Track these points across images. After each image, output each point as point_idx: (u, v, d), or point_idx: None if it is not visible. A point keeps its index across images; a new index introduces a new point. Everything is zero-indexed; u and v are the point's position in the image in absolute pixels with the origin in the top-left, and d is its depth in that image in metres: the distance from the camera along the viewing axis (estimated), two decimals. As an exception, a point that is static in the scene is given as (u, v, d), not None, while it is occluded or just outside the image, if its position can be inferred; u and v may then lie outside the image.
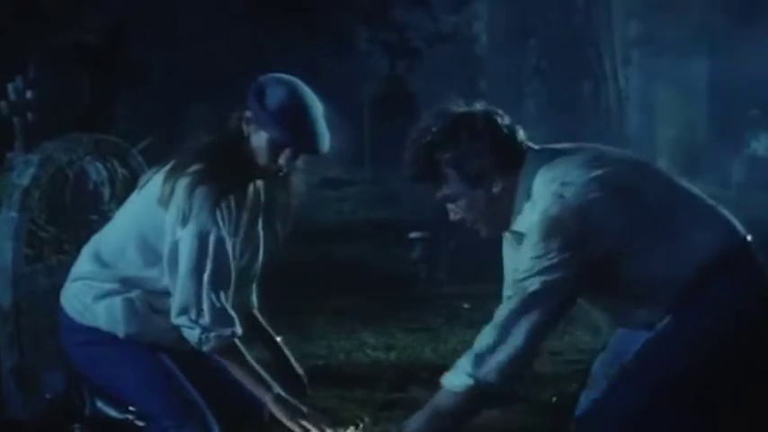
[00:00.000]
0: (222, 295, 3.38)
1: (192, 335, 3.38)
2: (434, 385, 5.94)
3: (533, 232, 3.19)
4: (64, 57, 10.75)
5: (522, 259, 3.23)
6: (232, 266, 3.42)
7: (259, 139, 3.42)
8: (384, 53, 16.80)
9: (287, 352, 3.87)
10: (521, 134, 3.34)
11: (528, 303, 3.24)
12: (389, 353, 6.89)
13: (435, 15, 16.63)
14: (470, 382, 3.22)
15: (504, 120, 3.33)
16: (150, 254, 3.44)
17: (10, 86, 8.36)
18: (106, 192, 5.05)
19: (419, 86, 17.02)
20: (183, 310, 3.38)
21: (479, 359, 3.24)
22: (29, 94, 8.45)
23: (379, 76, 17.44)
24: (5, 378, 4.95)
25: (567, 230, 3.15)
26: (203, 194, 3.34)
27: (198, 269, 3.35)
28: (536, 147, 3.36)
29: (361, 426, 4.61)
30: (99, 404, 3.55)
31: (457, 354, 6.61)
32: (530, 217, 3.24)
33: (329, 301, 8.47)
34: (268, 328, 3.87)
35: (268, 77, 3.49)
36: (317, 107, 3.50)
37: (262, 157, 3.44)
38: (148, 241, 3.44)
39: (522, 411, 5.42)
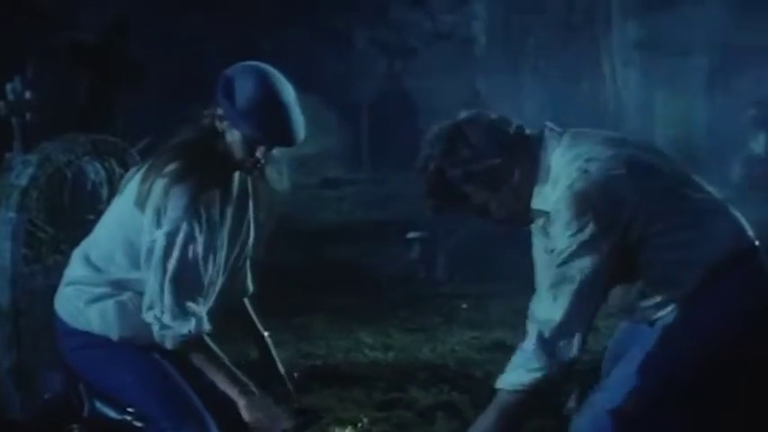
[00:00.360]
0: (184, 294, 3.37)
1: (155, 331, 3.39)
2: (432, 385, 5.97)
3: (563, 209, 3.19)
4: (62, 57, 10.74)
5: (558, 239, 3.21)
6: (201, 266, 3.39)
7: (233, 136, 3.42)
8: (382, 53, 16.79)
9: (273, 350, 3.85)
10: (514, 123, 3.35)
11: (574, 281, 3.20)
12: (387, 353, 6.89)
13: (434, 15, 16.62)
14: (538, 375, 3.19)
15: (492, 116, 3.35)
16: (137, 256, 3.45)
17: (8, 87, 8.35)
18: (104, 192, 5.05)
19: (417, 86, 17.02)
20: (150, 307, 3.39)
21: (543, 348, 3.19)
22: (27, 95, 8.44)
23: (377, 76, 17.43)
24: (4, 378, 4.95)
25: (596, 204, 3.17)
26: (178, 194, 3.34)
27: (163, 267, 3.36)
28: (556, 128, 3.37)
29: (360, 426, 4.61)
30: (98, 405, 3.55)
31: (455, 353, 6.64)
32: (552, 194, 3.26)
33: (327, 300, 8.48)
34: (257, 323, 3.87)
35: (235, 70, 3.45)
36: (288, 94, 3.46)
37: (237, 153, 3.43)
38: (134, 244, 3.45)
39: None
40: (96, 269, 3.50)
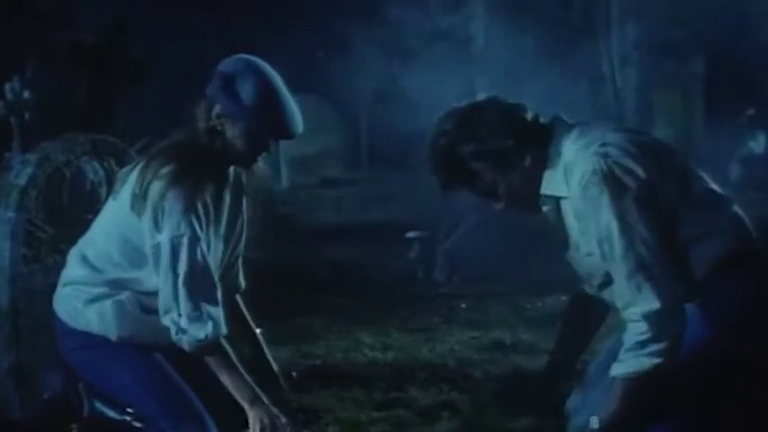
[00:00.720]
0: (199, 295, 3.36)
1: (173, 335, 3.38)
2: (432, 384, 5.98)
3: (596, 195, 3.19)
4: (61, 57, 10.74)
5: (603, 226, 3.20)
6: (211, 265, 3.40)
7: (235, 132, 3.42)
8: (380, 52, 16.78)
9: (265, 348, 3.84)
10: (530, 111, 3.37)
11: (645, 263, 3.18)
12: (387, 352, 6.88)
13: (432, 15, 16.62)
14: (658, 360, 3.17)
15: (509, 101, 3.38)
16: (134, 255, 3.45)
17: (7, 87, 8.35)
18: (103, 192, 5.05)
19: (416, 86, 17.00)
20: (166, 311, 3.38)
21: (659, 334, 3.16)
22: (26, 95, 8.45)
23: (375, 76, 17.42)
24: (3, 378, 4.95)
25: (625, 180, 3.18)
26: (174, 197, 3.33)
27: (173, 271, 3.35)
28: (566, 119, 3.39)
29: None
30: (97, 405, 3.54)
31: (454, 353, 6.63)
32: (564, 180, 3.27)
33: (327, 300, 8.47)
34: (249, 319, 3.85)
35: (230, 66, 3.45)
36: (283, 87, 3.46)
37: (241, 148, 3.43)
38: (131, 243, 3.45)
39: (521, 411, 5.42)
40: (94, 269, 3.49)
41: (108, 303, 3.45)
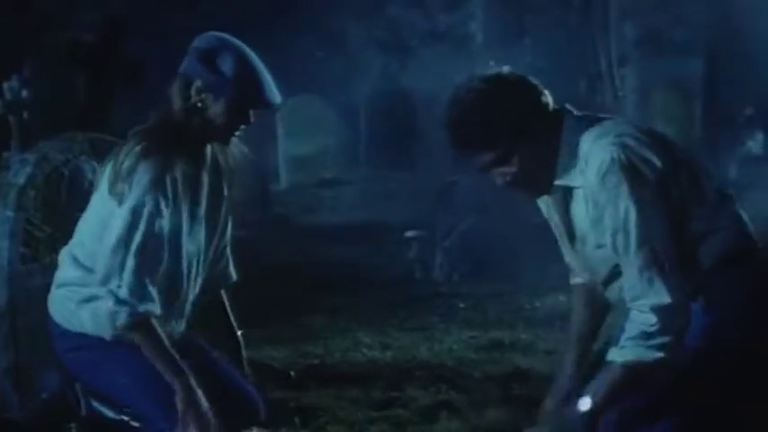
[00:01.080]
0: (146, 270, 3.33)
1: (107, 306, 3.34)
2: (430, 384, 5.97)
3: (613, 184, 3.18)
4: (59, 56, 10.74)
5: (616, 213, 3.20)
6: (166, 243, 3.38)
7: (217, 106, 3.41)
8: (379, 52, 16.79)
9: (242, 350, 3.81)
10: (546, 96, 3.37)
11: (659, 258, 3.17)
12: (385, 352, 6.88)
13: (430, 14, 16.63)
14: (660, 354, 3.16)
15: (531, 83, 3.36)
16: None
17: (6, 86, 8.35)
18: (102, 191, 5.03)
19: (415, 85, 17.01)
20: (105, 280, 3.35)
21: (665, 328, 3.16)
22: (24, 94, 8.44)
23: (374, 76, 17.43)
24: (1, 378, 4.94)
25: (643, 171, 3.19)
26: (143, 170, 3.33)
27: (126, 241, 3.32)
28: (573, 110, 3.39)
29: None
30: (95, 405, 3.54)
31: (453, 353, 6.62)
32: (584, 170, 3.26)
33: (325, 300, 8.47)
34: (231, 318, 3.82)
35: (207, 42, 3.46)
36: (257, 59, 3.48)
37: (220, 124, 3.43)
38: None
39: (521, 411, 5.42)
40: (85, 269, 3.47)
41: (101, 303, 3.44)
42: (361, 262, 10.29)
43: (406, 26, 16.23)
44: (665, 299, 3.14)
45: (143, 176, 3.33)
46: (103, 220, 3.43)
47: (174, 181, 3.36)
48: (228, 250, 3.75)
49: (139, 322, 3.35)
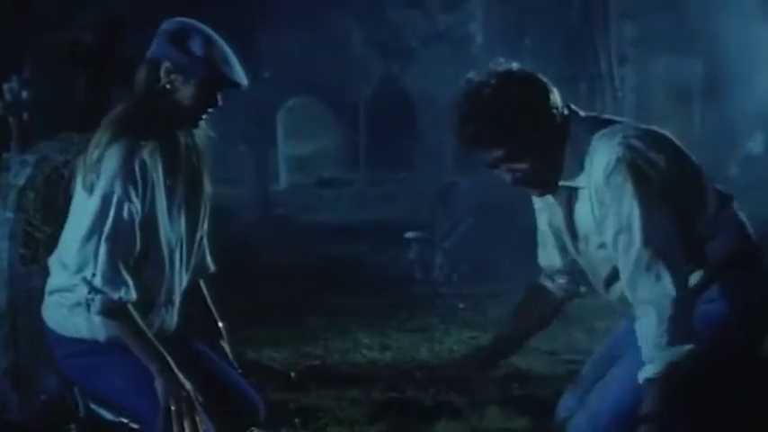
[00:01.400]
0: (118, 255, 3.33)
1: (81, 295, 3.34)
2: (430, 385, 5.97)
3: (618, 183, 3.19)
4: (60, 57, 10.73)
5: (620, 212, 3.20)
6: (137, 228, 3.37)
7: (186, 88, 3.42)
8: (379, 53, 16.79)
9: (225, 343, 3.79)
10: (556, 95, 3.36)
11: (665, 254, 3.17)
12: (385, 353, 6.88)
13: (430, 15, 16.62)
14: (689, 346, 3.14)
15: (543, 83, 3.36)
16: None
17: (6, 87, 8.35)
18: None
19: (414, 86, 17.01)
20: (79, 269, 3.35)
21: (674, 327, 3.15)
22: (24, 95, 8.44)
23: (373, 76, 17.43)
24: (1, 378, 4.94)
25: (648, 171, 3.19)
26: (109, 157, 3.33)
27: (98, 229, 3.33)
28: (580, 112, 3.39)
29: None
30: (94, 408, 3.53)
31: (453, 353, 6.62)
32: (590, 169, 3.26)
33: (325, 301, 8.47)
34: (212, 310, 3.81)
35: (173, 26, 3.50)
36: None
37: (189, 105, 3.43)
38: None
39: (521, 411, 5.42)
40: (73, 273, 3.46)
41: (80, 291, 3.42)
42: (361, 263, 10.29)
43: (405, 27, 16.22)
44: (672, 293, 3.13)
45: (110, 163, 3.33)
46: (81, 217, 3.43)
47: (142, 165, 3.36)
48: (205, 240, 3.73)
49: (115, 309, 3.34)
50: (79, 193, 3.44)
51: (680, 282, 3.15)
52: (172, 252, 3.48)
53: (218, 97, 3.46)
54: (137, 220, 3.36)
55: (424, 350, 6.93)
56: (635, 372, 3.23)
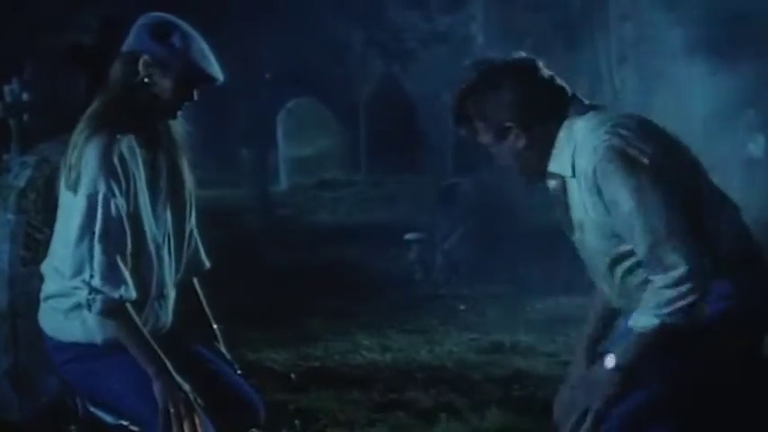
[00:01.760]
0: (113, 252, 3.32)
1: (82, 297, 3.33)
2: (430, 386, 5.97)
3: (609, 171, 3.19)
4: (59, 58, 10.73)
5: (620, 202, 3.20)
6: (126, 223, 3.36)
7: (165, 81, 3.42)
8: (379, 54, 16.77)
9: (220, 343, 3.78)
10: (557, 86, 3.39)
11: (665, 236, 3.16)
12: (385, 354, 6.88)
13: (430, 16, 16.61)
14: (656, 321, 3.15)
15: (542, 70, 3.40)
16: None
17: (6, 89, 8.34)
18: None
19: (414, 87, 17.00)
20: (78, 272, 3.34)
21: (663, 300, 3.15)
22: (25, 96, 8.44)
23: (374, 77, 17.43)
24: (1, 380, 4.94)
25: (639, 158, 3.19)
26: (89, 153, 3.33)
27: (89, 228, 3.32)
28: (583, 99, 3.42)
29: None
30: (94, 411, 3.53)
31: (453, 355, 6.62)
32: (577, 159, 3.27)
33: (325, 302, 8.47)
34: (206, 309, 3.79)
35: (151, 20, 3.49)
36: None
37: (167, 99, 3.43)
38: None
39: (521, 411, 5.42)
40: (66, 278, 3.45)
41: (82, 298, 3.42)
42: (361, 264, 10.29)
43: (406, 27, 16.20)
44: (681, 269, 3.12)
45: (90, 159, 3.33)
46: (67, 218, 3.43)
47: (122, 159, 3.35)
48: (196, 234, 3.72)
49: (115, 308, 3.34)
50: (65, 194, 3.44)
51: (686, 255, 3.12)
52: (159, 248, 3.47)
53: (194, 92, 3.47)
54: (124, 214, 3.35)
55: (424, 351, 6.93)
56: (645, 370, 3.23)
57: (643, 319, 3.19)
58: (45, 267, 3.56)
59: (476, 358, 6.70)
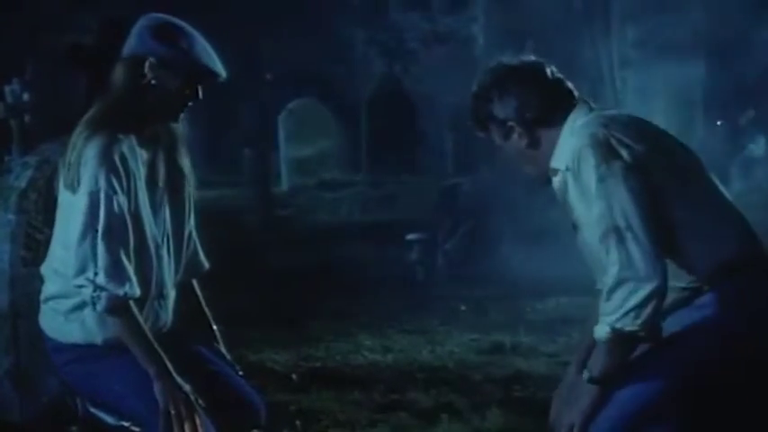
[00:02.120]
0: (117, 252, 3.32)
1: (87, 295, 3.33)
2: (432, 387, 5.97)
3: (586, 159, 3.22)
4: (61, 59, 10.74)
5: (588, 186, 3.22)
6: (128, 220, 3.37)
7: (172, 81, 3.42)
8: (380, 54, 16.78)
9: (221, 344, 3.77)
10: (563, 89, 3.44)
11: (612, 222, 3.17)
12: (386, 355, 6.88)
13: (432, 16, 16.62)
14: (634, 327, 3.15)
15: (548, 74, 3.46)
16: None
17: (7, 89, 8.36)
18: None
19: (416, 88, 17.00)
20: (81, 270, 3.33)
21: (615, 306, 3.16)
22: (26, 97, 8.45)
23: (375, 78, 17.43)
24: (2, 380, 4.94)
25: (618, 150, 3.22)
26: (89, 152, 3.33)
27: (92, 226, 3.32)
28: (590, 102, 3.46)
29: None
30: (95, 412, 3.53)
31: (454, 355, 6.63)
32: (568, 151, 3.31)
33: (326, 303, 8.47)
34: (206, 311, 3.79)
35: (154, 21, 3.49)
36: None
37: (171, 100, 3.44)
38: None
39: (522, 412, 5.43)
40: (66, 279, 3.45)
41: (87, 310, 3.42)
42: (362, 264, 10.29)
43: (407, 28, 16.21)
44: (614, 268, 3.13)
45: (91, 159, 3.33)
46: (66, 218, 3.43)
47: (122, 157, 3.36)
48: (195, 236, 3.72)
49: (119, 306, 3.33)
50: (64, 195, 3.44)
51: (642, 260, 3.13)
52: (158, 247, 3.47)
53: (199, 91, 3.47)
54: (126, 212, 3.36)
55: (425, 352, 6.93)
56: (635, 374, 3.23)
57: (598, 329, 3.21)
58: (45, 269, 3.56)
59: (477, 359, 6.70)
